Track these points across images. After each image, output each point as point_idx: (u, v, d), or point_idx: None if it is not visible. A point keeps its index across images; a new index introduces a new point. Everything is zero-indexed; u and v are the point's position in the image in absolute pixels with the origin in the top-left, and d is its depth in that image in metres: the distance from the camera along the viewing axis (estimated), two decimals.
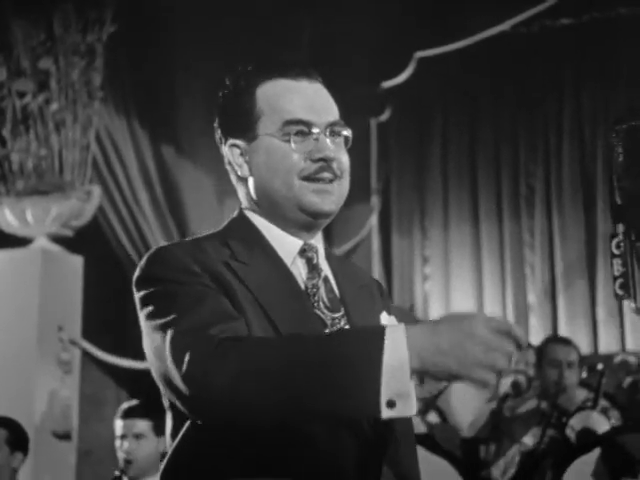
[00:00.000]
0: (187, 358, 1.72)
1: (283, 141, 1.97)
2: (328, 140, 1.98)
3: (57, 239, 6.53)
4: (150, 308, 1.88)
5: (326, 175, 1.98)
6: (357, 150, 7.22)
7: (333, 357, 1.65)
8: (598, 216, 8.92)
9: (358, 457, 1.82)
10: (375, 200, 8.94)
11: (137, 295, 1.94)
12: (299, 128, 1.97)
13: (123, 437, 4.60)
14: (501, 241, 9.23)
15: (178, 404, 1.78)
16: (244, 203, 2.07)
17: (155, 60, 7.17)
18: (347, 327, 1.93)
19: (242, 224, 2.04)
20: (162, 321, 1.83)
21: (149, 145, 7.73)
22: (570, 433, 5.04)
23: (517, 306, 9.06)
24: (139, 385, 7.41)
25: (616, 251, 1.51)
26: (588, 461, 4.46)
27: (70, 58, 6.25)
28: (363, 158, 8.80)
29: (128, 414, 4.64)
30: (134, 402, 4.83)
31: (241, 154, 2.02)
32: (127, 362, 6.60)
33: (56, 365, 6.37)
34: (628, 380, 6.50)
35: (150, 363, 1.88)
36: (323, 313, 1.96)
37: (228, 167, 2.08)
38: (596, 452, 4.43)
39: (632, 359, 6.53)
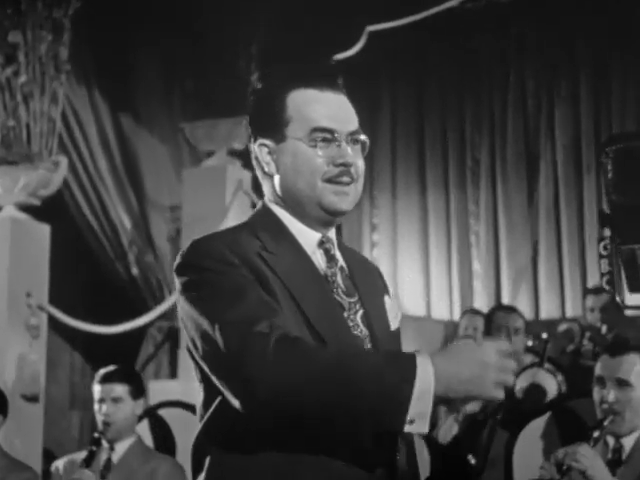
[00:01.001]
0: (245, 358, 1.95)
1: (310, 146, 2.20)
2: (349, 147, 2.22)
3: (25, 208, 6.72)
4: (194, 294, 2.10)
5: (345, 179, 2.21)
6: None
7: (371, 377, 1.92)
8: (540, 187, 9.29)
9: (376, 454, 2.08)
10: None
11: (179, 281, 2.16)
12: (324, 135, 2.20)
13: (101, 401, 4.82)
14: (447, 210, 9.57)
15: (228, 394, 2.01)
16: (268, 196, 2.29)
17: (116, 34, 7.36)
18: (381, 350, 2.17)
19: (267, 217, 2.27)
20: (207, 308, 2.06)
21: (109, 115, 7.93)
22: (519, 392, 5.39)
23: (462, 272, 9.42)
24: (95, 348, 7.66)
25: (603, 252, 1.77)
26: (538, 426, 4.78)
27: (38, 32, 6.42)
28: None
29: (106, 379, 4.86)
30: (111, 367, 5.06)
31: (269, 153, 2.25)
32: (88, 326, 6.83)
33: (25, 330, 6.57)
34: (571, 347, 6.91)
35: (192, 343, 2.11)
36: (342, 298, 2.21)
37: (254, 162, 2.30)
38: (546, 417, 4.74)
39: (576, 327, 6.91)
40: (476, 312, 7.35)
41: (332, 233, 2.32)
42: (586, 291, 7.56)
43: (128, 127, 8.07)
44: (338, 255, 2.30)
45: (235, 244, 2.16)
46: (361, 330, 2.20)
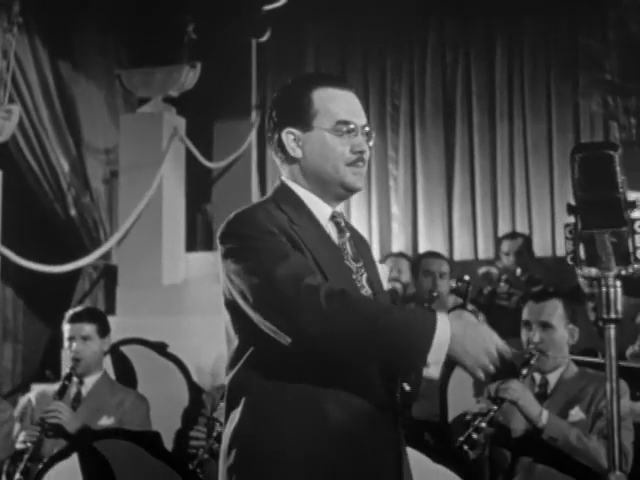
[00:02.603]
0: (300, 306, 2.38)
1: (335, 135, 2.65)
2: (363, 137, 2.69)
3: None
4: (242, 257, 2.52)
5: (360, 163, 2.68)
6: (239, 68, 7.95)
7: (405, 322, 2.39)
8: (456, 134, 9.79)
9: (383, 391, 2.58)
10: (254, 116, 9.54)
11: (225, 247, 2.59)
12: (347, 127, 2.66)
13: (71, 339, 5.22)
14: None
15: (281, 336, 2.43)
16: (287, 176, 2.72)
17: None
18: (408, 305, 2.68)
19: (287, 193, 2.70)
20: (257, 267, 2.48)
21: (49, 63, 8.15)
22: None
23: (381, 215, 9.87)
24: (28, 283, 7.96)
25: (569, 235, 2.25)
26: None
27: None
28: (244, 76, 9.39)
29: (76, 319, 5.24)
30: (80, 308, 5.45)
31: (294, 140, 2.67)
32: (38, 266, 7.11)
33: None
34: (488, 288, 7.45)
35: (242, 297, 2.50)
36: (351, 263, 2.68)
37: (275, 147, 2.72)
38: None
39: (494, 271, 7.43)
40: (400, 255, 7.80)
41: (340, 208, 2.77)
42: (502, 236, 8.07)
43: (67, 74, 8.29)
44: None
45: (271, 216, 2.59)
46: (366, 290, 2.67)
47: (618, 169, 2.17)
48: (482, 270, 7.40)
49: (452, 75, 9.81)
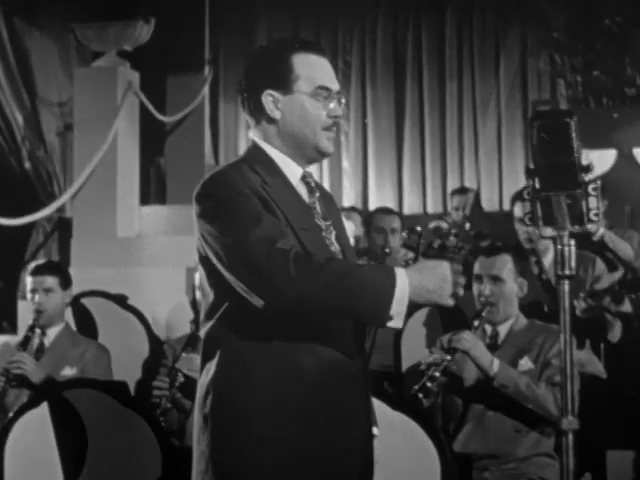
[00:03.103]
0: (272, 269, 2.48)
1: (315, 100, 2.73)
2: (337, 103, 2.79)
3: None
4: (217, 218, 2.60)
5: (334, 128, 2.78)
6: (192, 24, 8.03)
7: (366, 282, 2.51)
8: (407, 92, 9.95)
9: (352, 343, 2.71)
10: (207, 70, 9.62)
11: (200, 206, 2.65)
12: (325, 93, 2.75)
13: (34, 291, 5.28)
14: None
15: (253, 296, 2.53)
16: (259, 136, 2.79)
17: None
18: (370, 263, 2.80)
19: (260, 154, 2.77)
20: (231, 228, 2.56)
21: (2, 17, 8.16)
22: None
23: (332, 170, 10.04)
24: None
25: (527, 197, 2.41)
26: (421, 316, 5.45)
27: None
28: (197, 31, 9.46)
29: (38, 271, 5.31)
30: (42, 261, 5.54)
31: (273, 101, 2.73)
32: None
33: None
34: (437, 242, 7.61)
35: (217, 257, 2.59)
36: (320, 222, 2.78)
37: (251, 107, 2.76)
38: (427, 309, 5.39)
39: (444, 225, 7.62)
40: (352, 209, 7.96)
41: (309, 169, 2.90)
42: (452, 191, 8.27)
43: (21, 28, 8.33)
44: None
45: (244, 177, 2.68)
46: (335, 247, 2.79)
47: (574, 135, 2.33)
48: (432, 224, 7.58)
49: (403, 33, 10.01)
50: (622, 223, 7.35)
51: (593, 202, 2.36)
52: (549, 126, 2.34)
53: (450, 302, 2.57)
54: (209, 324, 2.72)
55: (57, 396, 3.85)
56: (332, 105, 2.77)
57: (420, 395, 4.18)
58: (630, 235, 6.86)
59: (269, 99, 2.74)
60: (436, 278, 2.54)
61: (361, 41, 10.11)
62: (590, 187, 2.36)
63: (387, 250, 6.30)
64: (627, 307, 6.14)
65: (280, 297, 2.52)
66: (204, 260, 2.71)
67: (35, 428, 3.89)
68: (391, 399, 3.54)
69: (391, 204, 9.57)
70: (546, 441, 4.31)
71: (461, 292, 2.56)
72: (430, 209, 9.72)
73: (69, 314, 5.67)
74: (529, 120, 2.37)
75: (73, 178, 8.24)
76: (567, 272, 2.44)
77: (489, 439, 4.29)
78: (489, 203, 9.33)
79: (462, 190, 8.15)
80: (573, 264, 2.44)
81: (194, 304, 6.88)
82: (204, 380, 2.70)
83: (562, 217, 2.40)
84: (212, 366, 2.68)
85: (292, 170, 2.80)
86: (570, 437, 2.48)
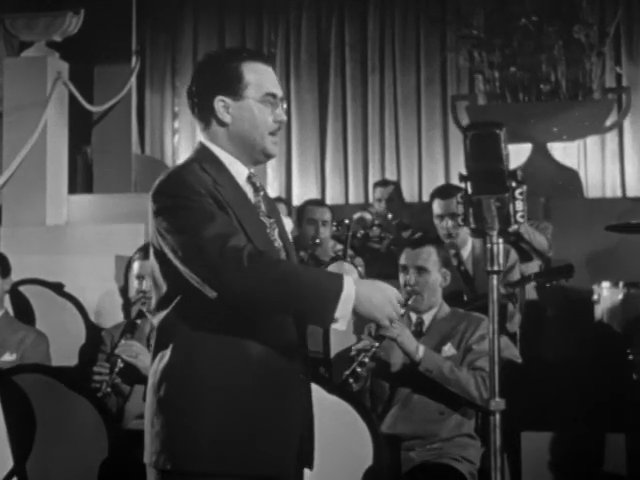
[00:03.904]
0: (225, 265, 2.68)
1: (263, 105, 2.92)
2: (282, 108, 3.00)
3: None
4: (172, 215, 2.78)
5: (278, 132, 3.00)
6: (120, 15, 8.20)
7: (314, 284, 2.72)
8: (330, 85, 10.19)
9: (294, 332, 2.94)
10: (134, 61, 9.76)
11: (157, 204, 2.84)
12: (272, 99, 2.95)
13: None
14: None
15: (207, 289, 2.72)
16: (206, 137, 2.98)
17: None
18: (317, 267, 3.01)
19: (208, 154, 2.96)
20: (187, 225, 2.75)
21: None
22: None
23: None
24: None
25: (460, 200, 2.67)
26: None
27: None
28: (125, 23, 9.59)
29: None
30: None
31: (224, 106, 2.94)
32: None
33: None
34: (361, 232, 7.87)
35: (173, 252, 2.78)
36: (265, 220, 2.99)
37: (201, 111, 2.96)
38: None
39: (368, 216, 7.85)
40: (278, 200, 8.17)
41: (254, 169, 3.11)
42: (375, 183, 8.53)
43: None
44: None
45: (197, 177, 2.87)
46: (278, 242, 3.01)
47: (503, 145, 2.59)
48: (357, 215, 7.79)
49: (327, 27, 10.24)
50: (537, 215, 7.67)
51: (519, 205, 2.62)
52: (481, 136, 2.61)
53: (386, 323, 2.81)
54: (163, 313, 2.91)
55: (8, 381, 4.03)
56: (277, 110, 2.98)
57: (350, 380, 4.42)
58: (544, 226, 7.18)
59: (220, 104, 2.95)
60: (382, 297, 2.77)
61: (286, 34, 10.33)
62: (517, 191, 2.63)
63: (318, 241, 6.56)
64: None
65: (232, 291, 2.72)
66: (159, 254, 2.90)
67: None
68: (326, 383, 3.80)
69: (314, 194, 9.85)
70: (467, 423, 4.58)
71: (396, 317, 2.81)
72: (352, 199, 9.99)
73: (7, 301, 5.80)
74: (463, 131, 2.63)
75: (2, 167, 8.32)
76: (495, 268, 2.71)
77: (415, 421, 4.53)
78: (409, 194, 9.62)
79: (384, 182, 8.42)
80: (501, 260, 2.71)
81: (125, 291, 7.07)
82: (157, 366, 2.90)
83: (491, 218, 2.65)
84: (165, 354, 2.88)
85: (239, 170, 3.00)
86: (497, 417, 2.73)
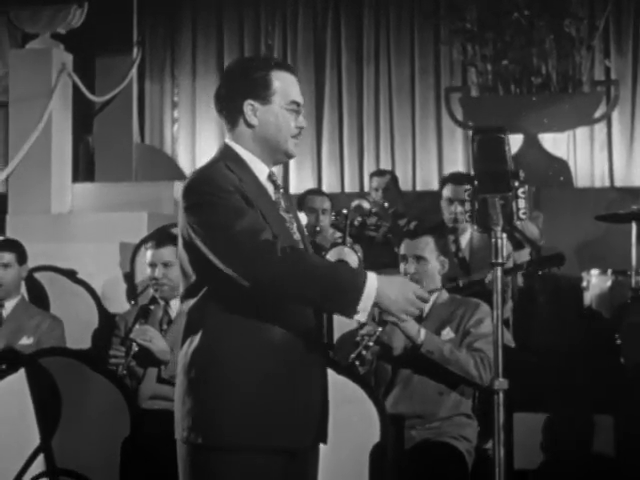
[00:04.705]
0: (258, 257, 2.91)
1: (287, 112, 3.17)
2: (302, 115, 3.26)
3: None
4: (205, 211, 3.01)
5: (300, 136, 3.25)
6: (121, 8, 8.43)
7: (340, 279, 2.96)
8: (326, 75, 10.43)
9: (314, 318, 3.18)
10: (135, 52, 9.99)
11: (188, 201, 3.05)
12: (296, 107, 3.20)
13: None
14: None
15: (240, 279, 2.95)
16: (231, 137, 3.20)
17: None
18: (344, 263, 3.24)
19: (231, 154, 3.19)
20: (220, 220, 2.97)
21: None
22: None
23: None
24: None
25: (467, 198, 2.93)
26: None
27: None
28: (126, 15, 9.81)
29: None
30: (0, 238, 5.92)
31: (252, 110, 3.15)
32: None
33: None
34: (359, 219, 8.07)
35: (206, 244, 3.00)
36: (285, 214, 3.22)
37: (234, 114, 3.16)
38: None
39: (366, 204, 8.07)
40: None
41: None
42: (372, 173, 8.76)
43: None
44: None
45: (224, 175, 3.10)
46: (297, 236, 3.23)
47: (507, 148, 2.85)
48: (355, 203, 8.00)
49: (323, 19, 10.47)
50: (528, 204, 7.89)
51: (522, 203, 2.89)
52: (487, 140, 2.87)
53: (403, 317, 3.07)
54: (192, 301, 3.14)
55: (35, 363, 4.28)
56: (300, 117, 3.23)
57: (357, 363, 4.68)
58: (535, 215, 7.44)
59: (249, 107, 3.17)
60: (401, 293, 3.00)
61: (283, 26, 10.53)
62: (520, 191, 2.89)
63: (318, 229, 6.82)
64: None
65: (265, 281, 2.96)
66: (190, 247, 3.11)
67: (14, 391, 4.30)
68: (336, 366, 4.06)
69: (310, 183, 10.11)
70: (465, 403, 4.83)
71: (416, 313, 3.06)
72: (348, 188, 10.22)
73: (23, 288, 6.04)
74: (471, 135, 2.89)
75: (9, 157, 8.54)
76: (499, 260, 2.97)
77: (415, 401, 4.77)
78: (403, 183, 9.81)
79: (381, 172, 8.64)
80: (505, 253, 2.97)
81: (130, 277, 7.31)
82: (188, 349, 3.12)
83: (496, 215, 2.91)
84: (196, 338, 3.11)
85: (260, 169, 3.22)
86: (501, 395, 2.99)
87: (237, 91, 3.20)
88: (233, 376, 3.07)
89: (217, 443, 3.04)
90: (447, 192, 6.30)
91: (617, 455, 5.68)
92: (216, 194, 3.05)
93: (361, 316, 2.98)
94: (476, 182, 2.90)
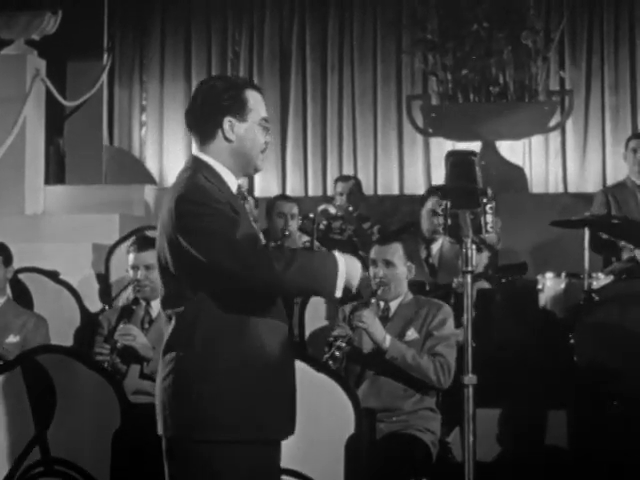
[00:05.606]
0: (258, 264, 3.19)
1: (260, 128, 3.42)
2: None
3: None
4: (200, 220, 3.23)
5: (266, 151, 3.48)
6: (92, 15, 8.72)
7: (322, 266, 3.27)
8: (291, 82, 10.73)
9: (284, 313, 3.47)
10: (106, 58, 10.24)
11: (183, 209, 3.26)
12: (265, 123, 3.45)
13: None
14: None
15: (239, 281, 3.22)
16: (203, 150, 3.39)
17: None
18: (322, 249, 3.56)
19: (203, 166, 3.38)
20: (216, 229, 3.20)
21: None
22: None
23: None
24: None
25: (441, 212, 3.26)
26: None
27: None
28: (97, 22, 10.06)
29: None
30: None
31: (230, 126, 3.38)
32: None
33: None
34: (324, 222, 8.35)
35: (201, 252, 3.22)
36: (254, 222, 3.48)
37: (212, 129, 3.36)
38: None
39: (332, 209, 8.36)
40: (249, 193, 8.67)
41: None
42: (336, 179, 9.04)
43: None
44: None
45: (212, 186, 3.33)
46: (262, 239, 3.51)
47: (477, 168, 3.19)
48: (321, 207, 8.28)
49: (288, 27, 10.76)
50: None
51: (489, 218, 3.23)
52: (459, 161, 3.21)
53: (354, 289, 3.38)
54: (181, 303, 3.37)
55: (30, 360, 4.55)
56: (267, 133, 3.48)
57: (330, 361, 5.00)
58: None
59: (228, 124, 3.39)
60: (355, 268, 3.35)
61: (249, 33, 10.79)
62: (487, 206, 3.23)
63: (287, 233, 7.13)
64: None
65: (267, 283, 3.26)
66: (182, 252, 3.30)
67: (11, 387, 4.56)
68: (314, 362, 4.38)
69: (275, 188, 10.42)
70: (428, 398, 5.16)
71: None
72: (311, 192, 10.51)
73: (8, 288, 6.28)
74: (445, 157, 3.24)
75: None
76: (469, 268, 3.31)
77: (382, 396, 5.09)
78: (365, 187, 10.12)
79: (346, 177, 8.94)
80: (474, 262, 3.31)
81: (106, 277, 7.57)
82: (178, 351, 3.36)
83: (466, 227, 3.25)
84: (191, 338, 3.35)
85: (231, 181, 3.45)
86: (470, 390, 3.33)
87: (217, 108, 3.40)
88: (222, 375, 3.32)
89: (217, 437, 3.29)
90: (432, 204, 6.57)
91: (570, 448, 6.03)
92: (211, 204, 3.28)
93: (338, 293, 3.29)
94: (449, 198, 3.23)
